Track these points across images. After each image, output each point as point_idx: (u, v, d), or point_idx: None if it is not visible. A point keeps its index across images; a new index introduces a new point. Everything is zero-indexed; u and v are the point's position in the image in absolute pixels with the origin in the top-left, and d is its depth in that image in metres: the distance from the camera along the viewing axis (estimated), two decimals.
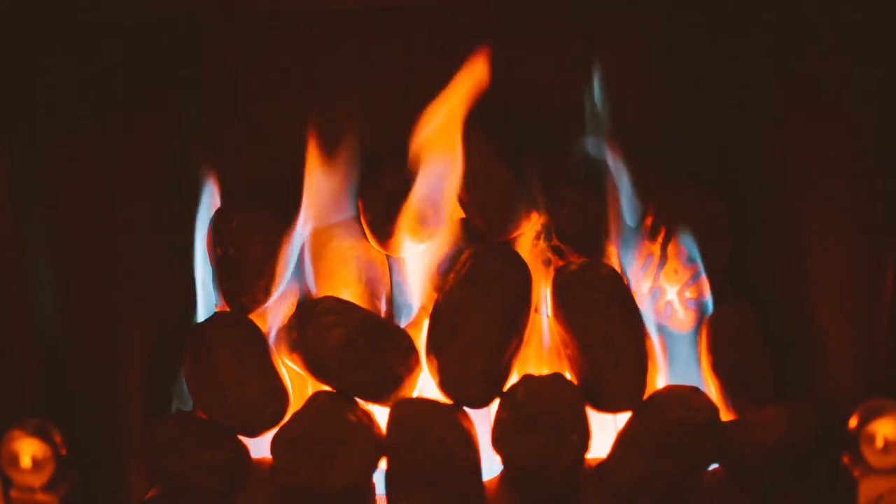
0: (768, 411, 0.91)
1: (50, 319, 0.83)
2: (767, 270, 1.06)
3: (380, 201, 1.05)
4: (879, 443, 0.78)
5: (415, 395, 0.96)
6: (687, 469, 0.88)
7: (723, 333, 1.01)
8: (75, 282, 0.87)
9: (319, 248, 1.06)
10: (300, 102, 1.09)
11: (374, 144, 1.06)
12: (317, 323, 0.92)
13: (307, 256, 1.05)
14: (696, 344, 1.04)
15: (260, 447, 0.95)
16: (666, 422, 0.88)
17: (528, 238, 1.06)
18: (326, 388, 0.93)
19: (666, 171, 1.10)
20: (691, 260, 1.03)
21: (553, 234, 1.05)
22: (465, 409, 0.91)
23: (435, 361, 0.91)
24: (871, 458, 0.79)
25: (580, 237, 1.05)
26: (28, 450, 0.78)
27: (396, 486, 0.87)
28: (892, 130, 0.79)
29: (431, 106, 0.99)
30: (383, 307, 1.08)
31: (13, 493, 0.79)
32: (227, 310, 1.05)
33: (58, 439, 0.80)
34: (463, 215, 1.06)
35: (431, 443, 0.86)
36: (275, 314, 1.02)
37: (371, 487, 0.91)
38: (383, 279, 1.09)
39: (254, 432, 0.94)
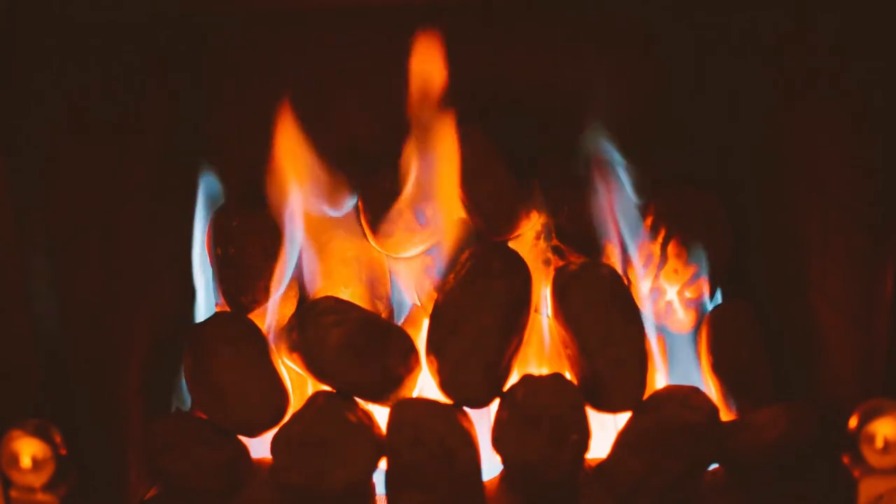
0: (768, 411, 0.91)
1: (50, 319, 0.83)
2: (767, 270, 1.06)
3: (380, 201, 1.05)
4: (879, 443, 0.78)
5: (415, 395, 0.96)
6: (687, 469, 0.88)
7: (723, 333, 1.01)
8: (75, 282, 0.86)
9: (319, 248, 1.06)
10: (300, 102, 1.09)
11: (374, 144, 1.06)
12: (317, 323, 0.92)
13: (307, 256, 1.05)
14: (696, 344, 1.04)
15: (260, 447, 0.95)
16: (666, 422, 0.88)
17: (528, 238, 1.06)
18: (326, 388, 0.93)
19: (666, 171, 1.10)
20: (691, 260, 1.03)
21: (553, 234, 1.05)
22: (465, 409, 0.91)
23: (435, 361, 0.91)
24: (871, 458, 0.79)
25: (580, 237, 1.05)
26: (28, 450, 0.78)
27: (396, 486, 0.87)
28: (893, 129, 0.79)
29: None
30: (383, 307, 1.08)
31: (13, 493, 0.79)
32: (227, 310, 1.05)
33: (58, 439, 0.80)
34: (463, 215, 1.06)
35: (431, 443, 0.86)
36: (275, 314, 1.02)
37: (371, 487, 0.91)
38: (383, 279, 1.09)
39: (254, 432, 0.94)
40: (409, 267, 1.08)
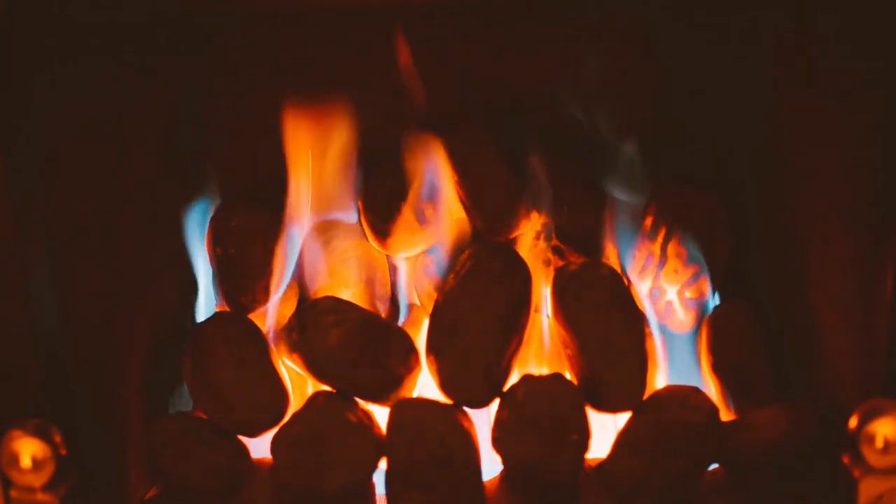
0: (768, 411, 0.91)
1: (50, 319, 0.83)
2: (767, 270, 1.06)
3: (380, 201, 1.05)
4: (879, 443, 0.78)
5: (415, 395, 0.96)
6: (687, 469, 0.88)
7: (723, 333, 1.01)
8: (75, 282, 0.87)
9: (319, 248, 1.06)
10: (300, 102, 1.09)
11: (373, 143, 1.06)
12: (317, 323, 0.92)
13: (307, 256, 1.05)
14: (696, 344, 1.04)
15: (260, 447, 0.95)
16: (666, 422, 0.88)
17: (528, 238, 1.06)
18: (326, 388, 0.93)
19: (666, 171, 1.10)
20: (691, 260, 1.03)
21: (553, 234, 1.05)
22: (465, 409, 0.91)
23: (435, 361, 0.91)
24: (871, 458, 0.79)
25: (580, 237, 1.05)
26: (28, 450, 0.78)
27: (396, 486, 0.87)
28: (893, 129, 0.79)
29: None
30: (383, 307, 1.08)
31: (13, 493, 0.79)
32: (227, 310, 1.05)
33: (58, 439, 0.80)
34: (463, 215, 1.06)
35: (431, 443, 0.86)
36: (275, 314, 1.02)
37: (371, 487, 0.91)
38: (383, 279, 1.09)
39: (254, 432, 0.94)
40: (409, 267, 1.08)
